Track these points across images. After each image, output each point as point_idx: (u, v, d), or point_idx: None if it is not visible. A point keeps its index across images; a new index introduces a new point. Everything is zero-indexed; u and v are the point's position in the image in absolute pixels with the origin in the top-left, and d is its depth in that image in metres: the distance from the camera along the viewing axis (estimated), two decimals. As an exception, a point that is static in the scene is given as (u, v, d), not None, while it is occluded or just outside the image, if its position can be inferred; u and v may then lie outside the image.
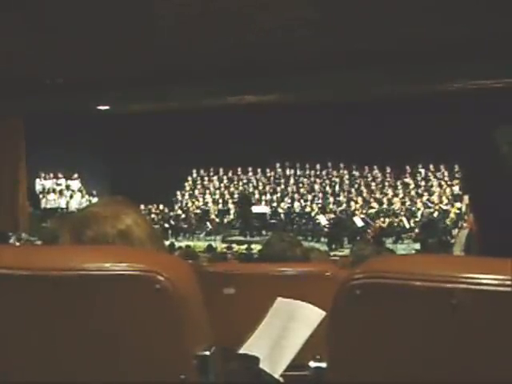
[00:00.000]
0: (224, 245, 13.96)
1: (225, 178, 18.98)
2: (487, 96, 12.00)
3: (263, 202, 17.24)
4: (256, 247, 11.66)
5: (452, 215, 14.29)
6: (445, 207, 14.85)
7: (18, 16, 8.57)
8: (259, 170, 18.71)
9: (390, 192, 16.46)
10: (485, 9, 8.29)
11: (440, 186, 16.25)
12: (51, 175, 18.19)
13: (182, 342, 0.91)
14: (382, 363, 0.82)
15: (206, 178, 19.20)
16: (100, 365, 0.93)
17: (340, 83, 11.75)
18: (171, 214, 17.44)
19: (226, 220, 16.80)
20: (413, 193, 16.26)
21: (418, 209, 15.13)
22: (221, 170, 19.06)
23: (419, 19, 8.79)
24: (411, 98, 14.05)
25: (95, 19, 8.73)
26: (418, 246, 13.20)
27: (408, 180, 16.89)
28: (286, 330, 1.64)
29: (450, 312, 0.76)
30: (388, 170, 17.21)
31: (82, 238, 1.25)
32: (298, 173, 18.41)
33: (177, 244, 13.04)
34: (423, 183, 16.66)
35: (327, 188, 17.49)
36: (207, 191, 18.54)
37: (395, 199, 15.87)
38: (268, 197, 17.65)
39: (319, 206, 16.42)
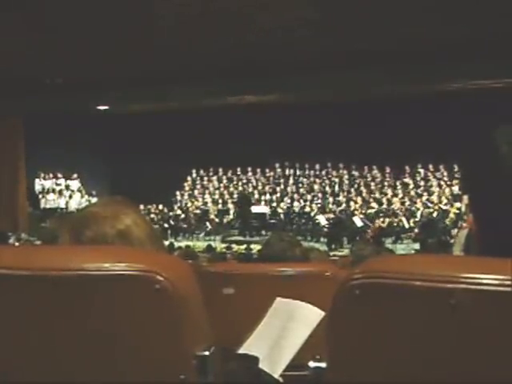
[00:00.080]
0: (223, 245, 13.96)
1: (224, 178, 18.97)
2: (487, 96, 12.00)
3: (263, 202, 17.22)
4: (255, 247, 11.66)
5: (451, 215, 14.28)
6: (444, 207, 14.85)
7: (18, 16, 8.57)
8: (259, 170, 18.70)
9: (389, 192, 16.45)
10: (485, 9, 8.29)
11: (439, 185, 16.24)
12: (51, 175, 18.17)
13: (182, 342, 0.91)
14: (382, 363, 0.82)
15: (206, 178, 19.19)
16: (99, 365, 0.93)
17: (340, 83, 11.76)
18: (171, 214, 17.44)
19: (225, 220, 16.79)
20: (412, 193, 16.26)
21: (418, 209, 15.13)
22: (220, 170, 19.05)
23: (419, 19, 8.79)
24: (411, 97, 14.06)
25: (95, 19, 8.73)
26: (417, 246, 13.19)
27: (407, 180, 16.89)
28: (286, 330, 1.64)
29: (450, 312, 0.76)
30: (387, 170, 17.20)
31: (81, 238, 1.25)
32: (298, 173, 18.40)
33: (176, 244, 13.04)
34: (423, 183, 16.65)
35: (327, 188, 17.48)
36: (207, 191, 18.53)
37: (395, 199, 15.87)
38: (267, 197, 17.64)
39: (319, 205, 16.41)
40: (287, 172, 18.49)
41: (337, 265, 3.77)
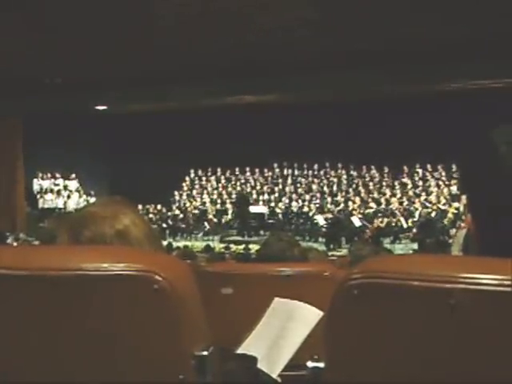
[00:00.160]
0: (222, 245, 13.95)
1: (223, 177, 18.97)
2: (487, 96, 12.00)
3: (261, 202, 17.23)
4: (254, 247, 11.66)
5: (450, 215, 14.29)
6: (443, 207, 14.86)
7: (18, 16, 8.57)
8: (257, 170, 18.70)
9: (387, 192, 16.46)
10: (485, 9, 8.30)
11: (438, 185, 16.25)
12: (49, 175, 18.16)
13: (180, 342, 0.91)
14: (380, 363, 0.82)
15: (204, 178, 19.19)
16: (98, 365, 0.92)
17: (340, 83, 11.76)
18: (169, 214, 17.43)
19: (223, 220, 16.79)
20: (410, 193, 16.27)
21: (416, 209, 15.14)
22: (219, 170, 19.05)
23: (419, 19, 8.80)
24: (411, 97, 14.06)
25: (95, 19, 8.73)
26: (415, 245, 13.18)
27: (406, 180, 16.90)
28: (284, 329, 1.64)
29: (449, 312, 0.76)
30: (386, 169, 17.22)
31: (79, 238, 1.25)
32: (296, 173, 18.41)
33: (175, 244, 13.03)
34: (421, 183, 16.66)
35: (325, 188, 17.49)
36: (205, 191, 18.53)
37: (393, 199, 15.88)
38: (266, 197, 17.64)
39: (317, 205, 16.41)
40: (285, 172, 18.50)
41: (335, 265, 3.76)
